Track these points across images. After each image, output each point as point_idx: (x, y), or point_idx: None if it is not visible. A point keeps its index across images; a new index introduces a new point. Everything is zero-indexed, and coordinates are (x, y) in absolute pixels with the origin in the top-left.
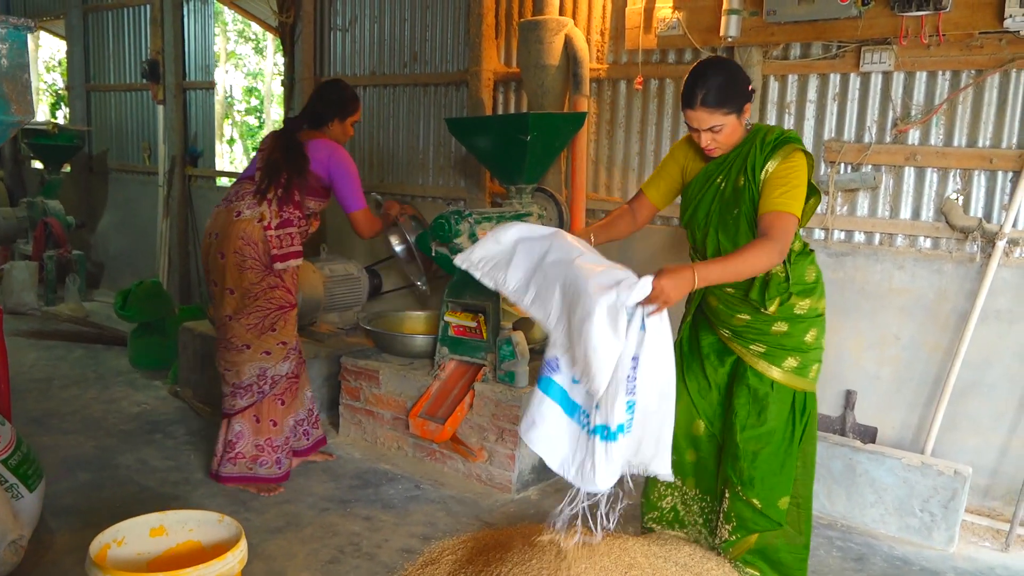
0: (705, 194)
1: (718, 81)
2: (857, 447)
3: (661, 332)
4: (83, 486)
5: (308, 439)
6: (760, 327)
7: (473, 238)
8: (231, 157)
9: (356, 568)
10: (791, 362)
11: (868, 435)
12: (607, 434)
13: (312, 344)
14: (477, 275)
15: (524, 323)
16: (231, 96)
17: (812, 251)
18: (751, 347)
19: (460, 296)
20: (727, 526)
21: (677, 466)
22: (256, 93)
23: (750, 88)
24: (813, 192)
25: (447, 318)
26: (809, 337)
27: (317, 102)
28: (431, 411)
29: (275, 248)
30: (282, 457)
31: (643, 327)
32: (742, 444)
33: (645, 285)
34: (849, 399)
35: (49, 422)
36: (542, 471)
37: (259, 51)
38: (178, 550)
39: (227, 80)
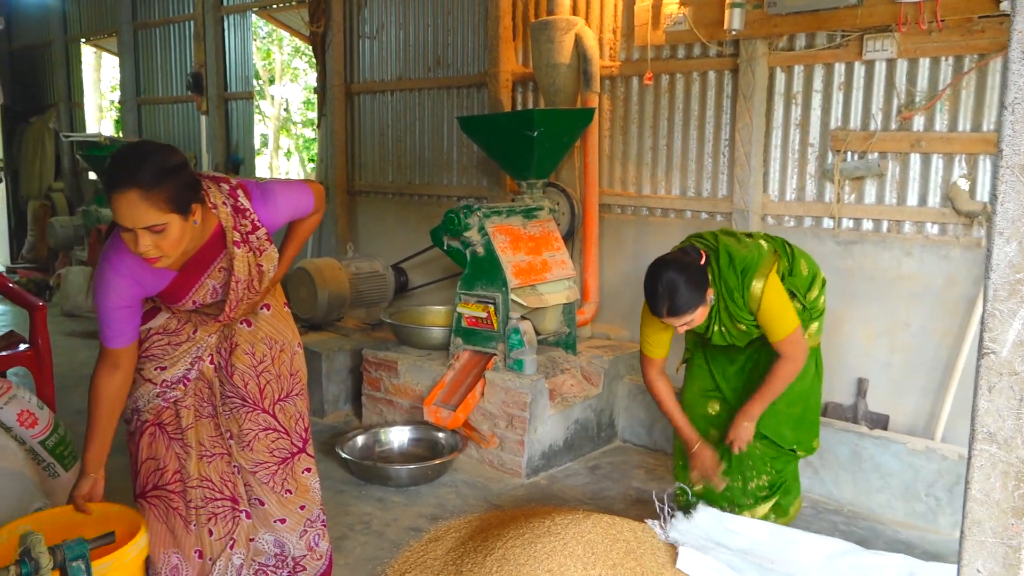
0: (712, 332)
1: (676, 292)
2: (863, 432)
3: None
4: (118, 469)
5: None
6: None
7: (482, 231)
8: (287, 169)
9: (364, 544)
10: (814, 326)
11: (880, 423)
12: None
13: (338, 338)
14: None
15: (533, 313)
16: (287, 109)
17: (823, 282)
18: None
19: (472, 288)
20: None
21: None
22: (311, 105)
23: (705, 270)
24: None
25: (460, 309)
26: (821, 303)
27: None
28: (445, 399)
29: None
30: None
31: None
32: (786, 407)
33: None
34: (861, 387)
35: None
36: (551, 457)
37: (312, 65)
38: None
39: (283, 94)
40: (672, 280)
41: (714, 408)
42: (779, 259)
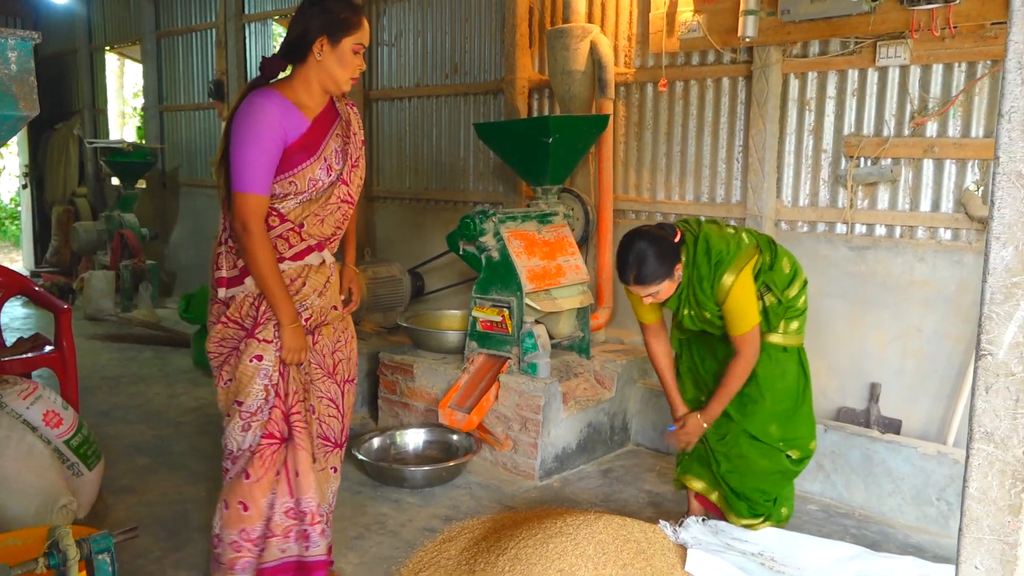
0: (682, 315)
1: (645, 262)
2: (875, 437)
3: None
4: (140, 469)
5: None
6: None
7: (497, 237)
8: None
9: (379, 544)
10: (794, 324)
11: (892, 428)
12: None
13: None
14: None
15: (547, 318)
16: None
17: (804, 282)
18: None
19: (486, 292)
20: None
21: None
22: None
23: (678, 247)
24: (766, 281)
25: (475, 313)
26: (801, 303)
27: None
28: (459, 402)
29: (216, 268)
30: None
31: None
32: (772, 405)
33: None
34: (873, 392)
35: (115, 414)
36: (564, 460)
37: None
38: None
39: None
40: (642, 250)
41: (701, 398)
42: (760, 254)
